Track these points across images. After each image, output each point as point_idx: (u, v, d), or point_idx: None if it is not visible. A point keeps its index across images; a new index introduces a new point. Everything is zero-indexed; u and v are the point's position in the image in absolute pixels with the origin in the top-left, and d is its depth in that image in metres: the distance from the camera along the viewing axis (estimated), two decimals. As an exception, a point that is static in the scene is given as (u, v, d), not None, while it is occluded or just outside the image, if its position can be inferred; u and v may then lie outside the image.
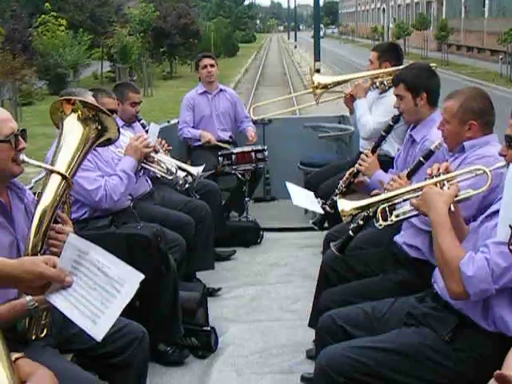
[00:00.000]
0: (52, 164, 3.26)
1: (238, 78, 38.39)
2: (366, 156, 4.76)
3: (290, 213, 7.81)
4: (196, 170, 5.46)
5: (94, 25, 33.60)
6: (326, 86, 6.34)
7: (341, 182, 4.96)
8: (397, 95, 4.77)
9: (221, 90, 8.12)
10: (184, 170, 5.41)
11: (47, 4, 28.95)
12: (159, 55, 35.80)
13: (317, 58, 39.44)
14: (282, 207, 8.29)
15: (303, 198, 5.14)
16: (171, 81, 34.85)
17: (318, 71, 38.82)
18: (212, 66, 7.88)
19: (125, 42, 28.61)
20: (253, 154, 7.52)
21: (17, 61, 23.83)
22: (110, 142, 3.54)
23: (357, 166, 4.81)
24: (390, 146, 5.72)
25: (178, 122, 7.96)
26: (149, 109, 19.55)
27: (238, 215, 7.85)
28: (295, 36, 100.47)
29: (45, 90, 27.24)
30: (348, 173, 4.92)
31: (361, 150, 6.01)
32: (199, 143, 7.71)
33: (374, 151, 4.82)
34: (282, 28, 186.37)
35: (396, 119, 4.83)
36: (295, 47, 72.56)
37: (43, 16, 28.47)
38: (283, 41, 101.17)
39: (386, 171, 4.76)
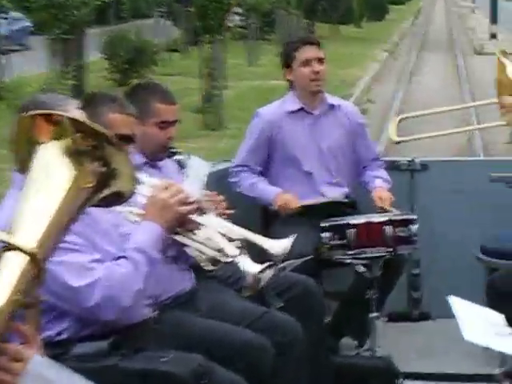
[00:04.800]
0: (9, 233, 2.55)
1: (393, 40, 37.25)
2: None
3: (455, 346, 5.51)
4: (278, 247, 4.35)
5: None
6: None
7: None
8: None
9: (331, 107, 5.73)
10: (257, 246, 4.36)
11: None
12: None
13: (493, 19, 38.09)
14: (442, 334, 5.93)
15: (482, 327, 3.92)
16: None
17: (493, 37, 37.37)
18: (321, 60, 5.64)
19: None
20: (388, 228, 5.31)
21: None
22: (120, 198, 2.81)
23: None
24: None
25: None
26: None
27: (357, 344, 5.79)
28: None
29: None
30: None
31: None
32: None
33: None
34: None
35: None
36: (472, 11, 64.21)
37: None
38: (455, 4, 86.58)
39: None
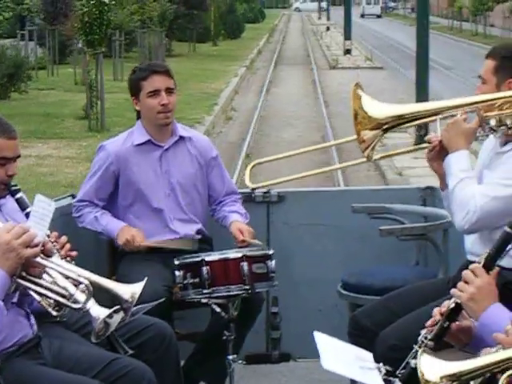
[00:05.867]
0: None
1: (250, 57, 39.22)
2: (474, 274, 3.41)
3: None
4: (130, 292, 4.11)
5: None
6: (382, 125, 4.46)
7: (424, 331, 3.38)
8: None
9: (182, 139, 5.38)
10: (106, 290, 4.10)
11: None
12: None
13: (347, 35, 39.48)
14: (304, 375, 5.73)
15: (346, 363, 3.50)
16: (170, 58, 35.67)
17: (347, 52, 38.83)
18: (170, 90, 5.27)
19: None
20: (245, 264, 5.03)
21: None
22: None
23: (454, 293, 3.42)
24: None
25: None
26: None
27: (214, 391, 5.53)
28: (328, 14, 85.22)
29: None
30: (439, 310, 3.47)
31: (468, 258, 4.45)
32: None
33: (489, 266, 3.41)
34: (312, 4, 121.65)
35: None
36: (327, 29, 63.23)
37: None
38: (311, 22, 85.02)
39: None
